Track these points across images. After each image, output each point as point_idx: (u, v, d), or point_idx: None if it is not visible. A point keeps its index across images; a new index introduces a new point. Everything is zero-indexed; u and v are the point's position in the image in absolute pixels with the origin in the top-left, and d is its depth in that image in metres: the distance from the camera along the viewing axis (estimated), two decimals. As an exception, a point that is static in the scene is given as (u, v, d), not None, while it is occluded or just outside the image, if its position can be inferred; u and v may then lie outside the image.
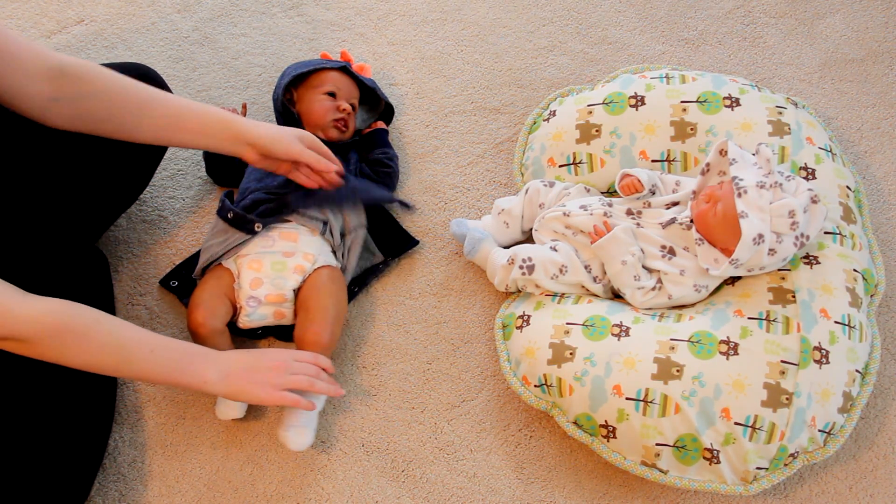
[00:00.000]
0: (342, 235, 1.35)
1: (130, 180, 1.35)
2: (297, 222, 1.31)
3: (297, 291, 1.28)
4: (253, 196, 1.33)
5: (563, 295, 1.31)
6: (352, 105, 1.46)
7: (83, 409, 1.17)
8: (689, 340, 1.19)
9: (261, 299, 1.26)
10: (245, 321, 1.28)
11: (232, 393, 1.12)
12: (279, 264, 1.27)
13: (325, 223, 1.32)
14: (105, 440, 1.21)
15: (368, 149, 1.48)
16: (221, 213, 1.32)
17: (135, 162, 1.32)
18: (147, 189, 1.49)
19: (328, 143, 1.44)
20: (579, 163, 1.41)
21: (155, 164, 1.38)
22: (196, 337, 1.24)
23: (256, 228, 1.28)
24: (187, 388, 1.14)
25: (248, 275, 1.26)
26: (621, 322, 1.24)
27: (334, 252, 1.34)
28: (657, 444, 1.15)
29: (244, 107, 1.51)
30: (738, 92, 1.39)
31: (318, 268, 1.29)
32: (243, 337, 1.36)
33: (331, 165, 1.26)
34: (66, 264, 1.26)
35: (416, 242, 1.43)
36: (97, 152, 1.23)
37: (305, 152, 1.23)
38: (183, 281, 1.38)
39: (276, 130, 1.22)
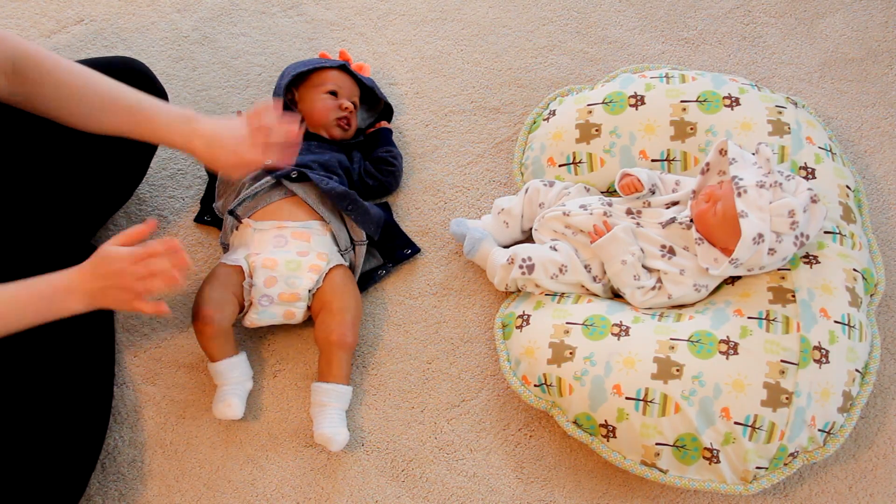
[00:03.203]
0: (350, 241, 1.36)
1: (124, 174, 1.35)
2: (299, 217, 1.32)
3: (311, 291, 1.28)
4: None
5: (562, 294, 1.31)
6: (353, 103, 1.46)
7: (79, 408, 1.17)
8: (688, 340, 1.19)
9: (273, 298, 1.26)
10: (253, 319, 1.28)
11: (102, 308, 1.12)
12: (294, 263, 1.27)
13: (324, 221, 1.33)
14: (101, 439, 1.21)
15: (372, 147, 1.48)
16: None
17: (128, 155, 1.32)
18: (146, 188, 1.49)
19: (332, 141, 1.44)
20: (579, 162, 1.41)
21: (149, 157, 1.38)
22: (201, 336, 1.24)
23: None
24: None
25: (262, 273, 1.26)
26: (621, 322, 1.24)
27: (341, 253, 1.34)
28: (657, 444, 1.15)
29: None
30: (737, 91, 1.39)
31: (333, 267, 1.29)
32: (244, 336, 1.36)
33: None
34: (63, 262, 1.26)
35: (418, 250, 1.43)
36: (90, 146, 1.23)
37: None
38: (214, 215, 1.43)
39: (225, 127, 1.20)
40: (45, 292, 1.08)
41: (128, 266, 1.11)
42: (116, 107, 1.15)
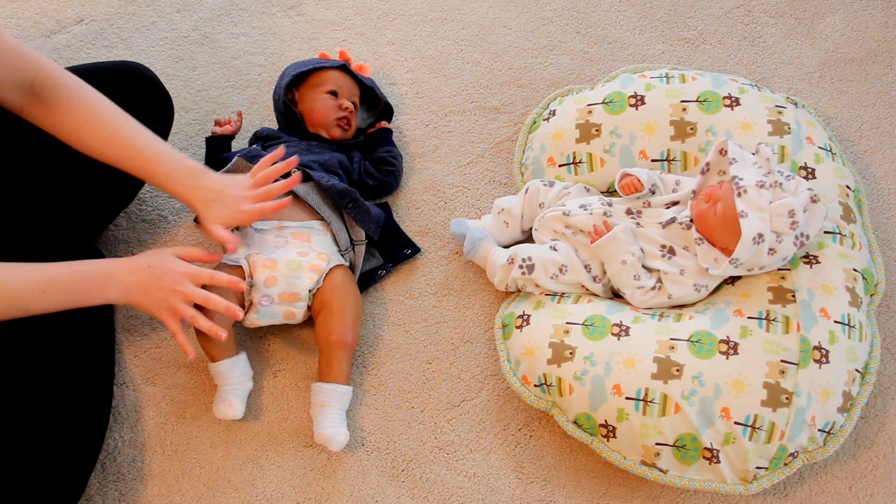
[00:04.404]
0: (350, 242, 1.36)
1: (127, 177, 1.35)
2: (298, 217, 1.32)
3: (311, 291, 1.28)
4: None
5: (562, 294, 1.31)
6: (353, 103, 1.46)
7: (79, 408, 1.17)
8: (688, 340, 1.19)
9: (274, 298, 1.26)
10: (253, 319, 1.28)
11: (132, 305, 1.14)
12: (294, 263, 1.27)
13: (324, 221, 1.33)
14: (101, 439, 1.21)
15: (372, 147, 1.48)
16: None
17: None
18: (147, 188, 1.49)
19: (332, 141, 1.44)
20: (579, 162, 1.41)
21: None
22: (201, 336, 1.24)
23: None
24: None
25: (262, 273, 1.26)
26: (621, 321, 1.24)
27: (341, 253, 1.34)
28: (657, 444, 1.15)
29: (239, 115, 1.51)
30: (737, 91, 1.39)
31: (334, 267, 1.29)
32: (244, 336, 1.36)
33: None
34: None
35: (418, 250, 1.43)
36: None
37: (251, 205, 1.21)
38: None
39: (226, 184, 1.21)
40: (87, 275, 1.10)
41: (185, 280, 1.13)
42: (124, 145, 1.16)
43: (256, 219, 1.23)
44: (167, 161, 1.18)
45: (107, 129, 1.15)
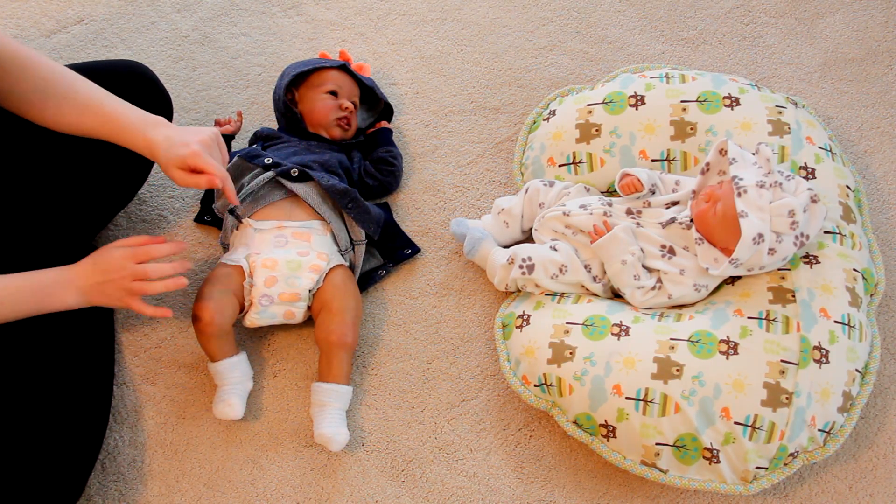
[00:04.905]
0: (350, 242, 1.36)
1: (127, 176, 1.35)
2: (299, 217, 1.32)
3: (311, 291, 1.28)
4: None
5: (562, 294, 1.31)
6: (353, 103, 1.46)
7: (79, 407, 1.17)
8: (688, 340, 1.19)
9: (274, 298, 1.26)
10: (254, 319, 1.28)
11: (93, 305, 1.14)
12: (294, 263, 1.27)
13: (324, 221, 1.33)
14: (101, 439, 1.21)
15: (372, 147, 1.48)
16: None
17: (131, 157, 1.32)
18: (147, 189, 1.49)
19: (332, 141, 1.44)
20: (579, 162, 1.41)
21: (151, 161, 1.37)
22: (201, 336, 1.24)
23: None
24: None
25: (262, 273, 1.26)
26: (621, 321, 1.24)
27: (341, 253, 1.34)
28: (657, 444, 1.15)
29: (239, 115, 1.51)
30: (737, 91, 1.39)
31: (334, 267, 1.29)
32: (244, 336, 1.36)
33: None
34: (65, 263, 1.26)
35: (418, 250, 1.43)
36: (93, 148, 1.23)
37: (204, 159, 1.14)
38: (214, 215, 1.43)
39: (180, 133, 1.15)
40: (43, 284, 1.10)
41: (126, 262, 1.13)
42: (81, 103, 1.13)
43: (204, 158, 1.13)
44: (129, 113, 1.14)
45: (63, 88, 1.12)
